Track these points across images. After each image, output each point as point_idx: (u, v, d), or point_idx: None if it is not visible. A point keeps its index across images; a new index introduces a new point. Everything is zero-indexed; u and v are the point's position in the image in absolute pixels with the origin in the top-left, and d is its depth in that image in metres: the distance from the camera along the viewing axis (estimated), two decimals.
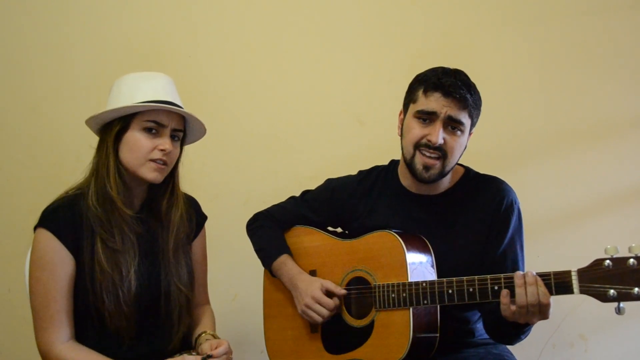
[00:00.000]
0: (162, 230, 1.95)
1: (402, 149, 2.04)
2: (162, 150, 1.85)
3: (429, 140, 1.92)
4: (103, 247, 1.82)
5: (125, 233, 1.85)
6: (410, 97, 2.02)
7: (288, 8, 2.89)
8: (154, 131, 1.85)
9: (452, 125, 1.93)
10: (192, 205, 2.08)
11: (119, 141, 1.87)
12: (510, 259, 1.95)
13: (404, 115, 2.04)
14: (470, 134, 2.01)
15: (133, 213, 1.90)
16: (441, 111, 1.92)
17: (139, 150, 1.84)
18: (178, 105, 1.88)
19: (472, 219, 1.98)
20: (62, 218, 1.82)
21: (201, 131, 2.00)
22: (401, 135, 2.04)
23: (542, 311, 1.68)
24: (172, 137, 1.89)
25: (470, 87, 1.96)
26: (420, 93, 1.97)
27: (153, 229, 1.95)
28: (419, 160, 1.95)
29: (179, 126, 1.91)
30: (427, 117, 1.94)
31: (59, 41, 2.96)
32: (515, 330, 1.79)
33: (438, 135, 1.91)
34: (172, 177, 1.96)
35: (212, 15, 2.93)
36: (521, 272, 1.70)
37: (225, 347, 1.85)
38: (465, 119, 1.94)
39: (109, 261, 1.81)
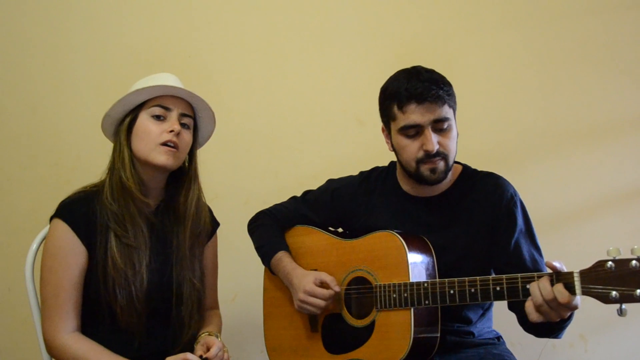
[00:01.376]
0: (178, 226, 1.97)
1: (400, 163, 2.02)
2: (170, 132, 1.88)
3: (426, 151, 1.90)
4: (117, 242, 1.85)
5: (138, 226, 1.87)
6: (387, 116, 1.99)
7: (288, 8, 2.90)
8: (161, 117, 1.90)
9: (440, 125, 1.91)
10: (208, 211, 2.10)
11: (131, 133, 1.91)
12: (526, 251, 1.93)
13: (388, 132, 2.02)
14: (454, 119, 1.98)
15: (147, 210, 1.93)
16: (424, 120, 1.89)
17: (148, 135, 1.88)
18: (182, 91, 1.92)
19: (473, 217, 1.97)
20: (77, 211, 1.85)
21: (210, 118, 2.02)
22: (394, 151, 2.02)
23: (564, 308, 1.63)
24: (182, 125, 1.93)
25: (437, 81, 1.91)
26: (395, 110, 1.94)
27: (169, 227, 1.96)
28: (425, 168, 1.93)
29: (186, 111, 1.94)
30: (413, 130, 1.91)
31: (59, 41, 2.96)
32: (556, 324, 1.73)
33: (432, 142, 1.89)
34: (188, 171, 1.99)
35: (212, 15, 2.93)
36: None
37: (218, 345, 1.87)
38: (447, 113, 1.91)
39: (123, 257, 1.84)
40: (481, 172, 2.07)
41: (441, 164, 1.92)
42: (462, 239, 1.97)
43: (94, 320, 1.87)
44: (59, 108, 2.94)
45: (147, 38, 2.94)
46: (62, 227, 1.84)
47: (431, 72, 1.95)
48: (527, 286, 1.66)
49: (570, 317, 1.73)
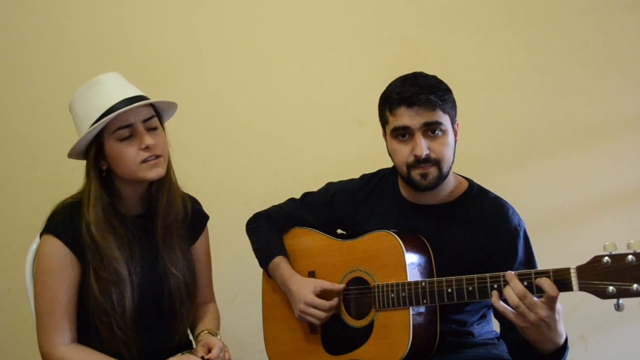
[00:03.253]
0: (156, 219, 1.94)
1: (395, 167, 2.02)
2: (145, 148, 1.81)
3: (415, 155, 1.89)
4: (95, 276, 1.82)
5: (113, 259, 1.82)
6: (382, 120, 2.01)
7: (288, 8, 2.90)
8: (129, 136, 1.82)
9: (431, 129, 1.89)
10: (193, 204, 2.07)
11: (102, 160, 1.85)
12: None
13: (385, 137, 2.02)
14: (456, 124, 1.97)
15: (135, 214, 1.92)
16: (413, 123, 1.88)
17: (126, 160, 1.81)
18: (133, 98, 1.82)
19: (473, 240, 1.94)
20: (67, 225, 1.83)
21: (169, 104, 1.93)
22: (390, 156, 2.02)
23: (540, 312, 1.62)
24: (150, 129, 1.85)
25: (431, 87, 1.89)
26: (387, 114, 1.95)
27: (154, 229, 1.94)
28: (415, 173, 1.92)
29: (147, 115, 1.85)
30: (403, 132, 1.91)
31: (59, 41, 2.96)
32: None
33: (421, 147, 1.87)
34: None
35: (212, 15, 2.93)
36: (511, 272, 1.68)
37: (219, 346, 1.86)
38: (440, 117, 1.89)
39: (102, 293, 1.81)
40: (488, 194, 2.03)
41: (433, 170, 1.90)
42: (458, 254, 1.94)
43: (85, 332, 1.87)
44: (59, 108, 2.93)
45: (147, 38, 2.94)
46: (54, 242, 1.81)
47: (428, 78, 1.94)
48: (525, 284, 1.64)
49: (564, 351, 1.72)
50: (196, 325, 2.04)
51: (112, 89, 1.84)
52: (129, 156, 1.81)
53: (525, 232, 1.95)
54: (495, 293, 1.70)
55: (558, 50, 2.71)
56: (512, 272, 1.67)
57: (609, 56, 2.67)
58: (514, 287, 1.64)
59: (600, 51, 2.68)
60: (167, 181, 1.93)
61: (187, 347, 1.97)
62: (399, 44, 2.81)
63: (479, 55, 2.76)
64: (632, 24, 2.66)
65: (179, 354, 1.84)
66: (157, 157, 1.84)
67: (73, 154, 1.89)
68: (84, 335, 1.86)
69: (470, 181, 2.07)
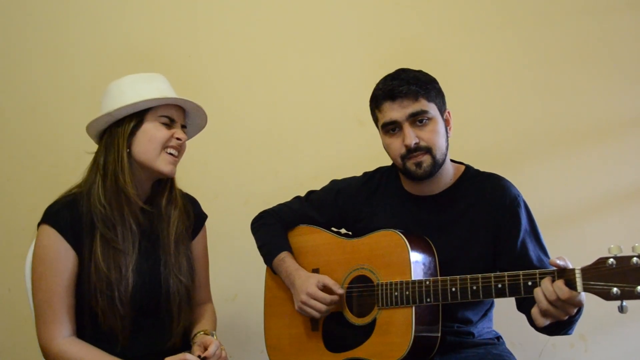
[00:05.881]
0: (163, 225, 1.97)
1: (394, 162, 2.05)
2: (178, 138, 1.91)
3: (406, 145, 1.93)
4: (103, 246, 1.83)
5: (128, 229, 1.87)
6: (374, 119, 2.07)
7: (288, 8, 2.90)
8: (168, 123, 1.91)
9: (418, 119, 1.93)
10: (192, 203, 2.09)
11: (132, 136, 1.89)
12: (532, 251, 1.92)
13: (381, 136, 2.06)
14: (447, 113, 2.01)
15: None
16: (399, 116, 1.93)
17: (156, 139, 1.89)
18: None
19: (475, 218, 1.97)
20: (64, 216, 1.84)
21: (201, 126, 2.07)
22: (387, 153, 2.06)
23: (569, 305, 1.63)
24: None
25: (412, 78, 1.95)
26: (376, 111, 2.02)
27: (155, 225, 1.97)
28: (410, 163, 1.95)
29: (184, 122, 1.98)
30: (392, 126, 1.96)
31: (59, 41, 2.97)
32: (566, 320, 1.72)
33: (409, 136, 1.92)
34: None
35: (212, 15, 2.93)
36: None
37: (216, 344, 1.87)
38: (424, 106, 1.93)
39: (107, 261, 1.83)
40: (484, 173, 2.07)
41: (426, 158, 1.94)
42: (462, 238, 1.96)
43: (78, 322, 1.87)
44: (59, 108, 2.94)
45: (147, 38, 2.94)
46: (50, 232, 1.83)
47: (410, 71, 1.99)
48: (529, 283, 1.66)
49: (579, 312, 1.72)
50: (193, 327, 2.04)
51: (167, 86, 1.96)
52: (161, 136, 1.90)
53: (524, 201, 1.98)
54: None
55: (558, 50, 2.71)
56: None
57: (609, 56, 2.68)
58: (545, 290, 1.63)
59: (600, 51, 2.68)
60: (175, 193, 2.01)
61: (185, 348, 1.96)
62: (399, 44, 2.82)
63: (479, 55, 2.76)
64: (632, 24, 2.67)
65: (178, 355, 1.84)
66: (177, 155, 1.93)
67: (105, 119, 1.90)
68: (78, 327, 1.86)
69: (467, 165, 2.10)
